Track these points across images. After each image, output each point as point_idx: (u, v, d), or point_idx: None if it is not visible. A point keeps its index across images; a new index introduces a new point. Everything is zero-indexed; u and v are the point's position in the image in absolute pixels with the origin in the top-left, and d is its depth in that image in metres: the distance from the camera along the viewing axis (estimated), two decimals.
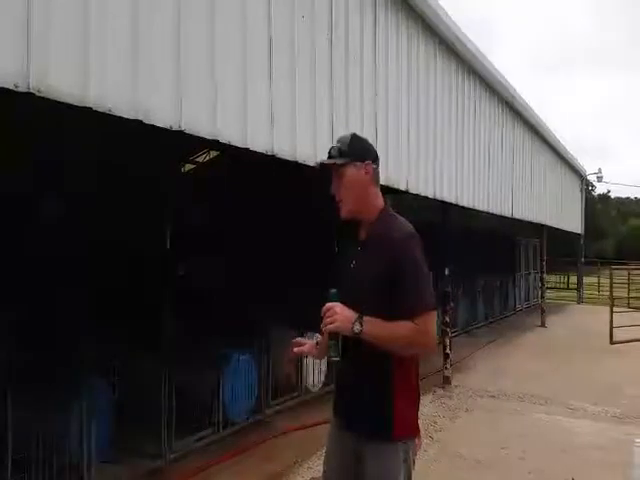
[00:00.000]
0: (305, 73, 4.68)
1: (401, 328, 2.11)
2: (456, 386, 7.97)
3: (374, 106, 5.81)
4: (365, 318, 2.12)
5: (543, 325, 14.66)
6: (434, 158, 7.47)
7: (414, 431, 2.28)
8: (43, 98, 2.72)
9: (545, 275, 16.15)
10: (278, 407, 6.47)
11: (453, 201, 8.21)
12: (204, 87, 3.66)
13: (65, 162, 6.43)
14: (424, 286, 2.17)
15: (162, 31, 3.34)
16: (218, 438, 5.52)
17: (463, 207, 8.78)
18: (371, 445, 2.22)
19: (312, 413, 6.05)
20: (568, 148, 16.96)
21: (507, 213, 11.03)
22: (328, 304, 2.17)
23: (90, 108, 2.94)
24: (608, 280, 14.22)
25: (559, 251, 25.11)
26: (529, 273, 19.68)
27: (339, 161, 2.29)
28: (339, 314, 2.14)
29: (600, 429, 6.16)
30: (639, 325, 11.39)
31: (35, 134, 5.89)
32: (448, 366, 8.15)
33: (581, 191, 21.20)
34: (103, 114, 3.03)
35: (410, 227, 2.26)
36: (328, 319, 2.15)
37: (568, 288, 25.59)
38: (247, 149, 4.06)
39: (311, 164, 4.74)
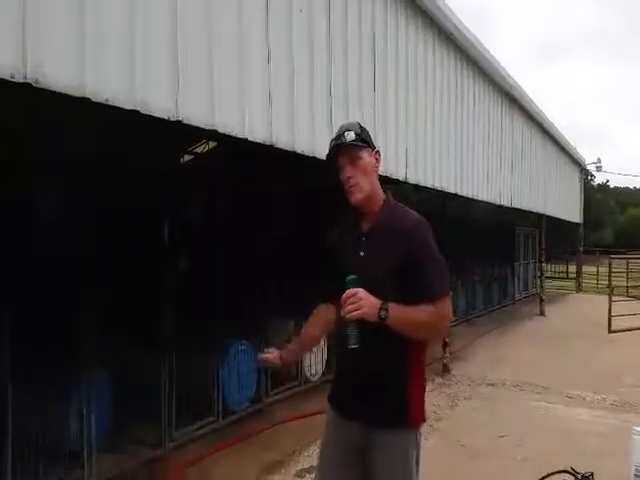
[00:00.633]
0: (304, 61, 4.67)
1: (423, 313, 2.13)
2: (455, 374, 8.01)
3: (373, 95, 5.81)
4: (390, 304, 2.10)
5: (542, 314, 14.71)
6: (432, 147, 7.46)
7: (424, 417, 2.31)
8: (40, 90, 2.71)
9: (544, 264, 16.18)
10: (278, 396, 6.51)
11: (453, 191, 8.21)
12: (201, 77, 3.64)
13: (62, 158, 6.42)
14: (441, 271, 2.22)
15: (159, 20, 3.32)
16: (218, 427, 5.56)
17: (463, 197, 8.79)
18: (385, 432, 2.21)
19: (312, 402, 6.08)
20: (567, 138, 16.95)
21: (506, 203, 11.03)
22: (350, 290, 2.10)
23: (88, 99, 2.93)
24: (607, 269, 14.27)
25: (558, 241, 25.14)
26: (528, 262, 19.71)
27: (359, 144, 2.28)
28: (365, 300, 2.09)
29: (598, 417, 6.20)
30: (637, 314, 11.43)
31: (32, 127, 5.87)
32: (447, 355, 8.19)
33: (580, 181, 21.19)
34: (101, 107, 3.02)
35: (417, 214, 2.30)
36: (352, 305, 2.08)
37: (567, 277, 25.63)
38: (246, 139, 4.06)
39: (309, 154, 4.75)
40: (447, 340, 8.10)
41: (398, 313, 2.11)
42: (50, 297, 4.42)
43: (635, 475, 3.17)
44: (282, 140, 4.42)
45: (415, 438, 2.25)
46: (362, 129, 2.35)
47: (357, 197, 2.28)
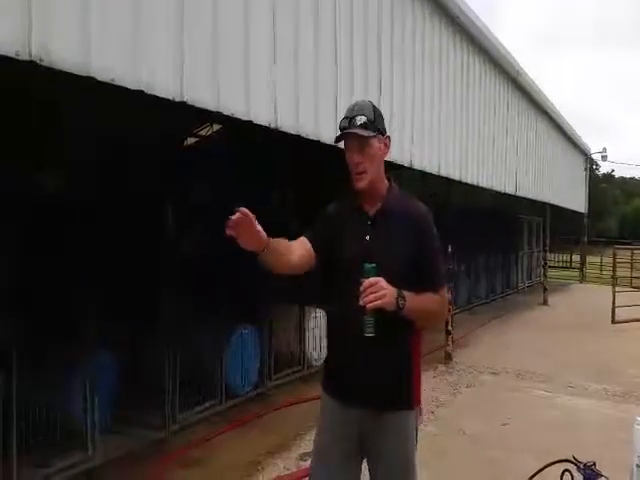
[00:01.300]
0: (309, 43, 4.62)
1: (431, 301, 2.23)
2: (457, 362, 8.01)
3: (379, 80, 5.76)
4: (404, 292, 2.11)
5: (545, 303, 14.70)
6: (438, 134, 7.41)
7: (420, 398, 2.39)
8: (46, 68, 2.69)
9: (548, 254, 16.14)
10: (280, 381, 6.53)
11: (457, 178, 8.16)
12: (206, 58, 3.61)
13: (65, 138, 6.39)
14: (442, 261, 2.34)
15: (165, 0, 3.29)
16: (220, 410, 5.59)
17: (467, 184, 8.74)
18: (390, 415, 2.25)
19: (314, 387, 6.07)
20: (573, 126, 16.83)
21: (511, 191, 10.98)
22: (371, 279, 2.07)
23: (93, 78, 2.91)
24: (611, 260, 14.22)
25: (562, 230, 25.07)
26: (532, 251, 19.68)
27: (369, 134, 2.23)
28: (386, 289, 2.07)
29: (600, 407, 6.20)
30: None
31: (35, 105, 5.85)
32: (450, 343, 8.19)
33: (585, 170, 21.08)
34: (106, 87, 3.00)
35: (424, 205, 2.34)
36: (374, 295, 2.05)
37: (571, 267, 25.59)
38: (250, 122, 4.03)
39: (314, 138, 4.72)
40: (450, 328, 8.10)
41: (413, 302, 2.14)
42: (55, 278, 4.42)
43: (637, 465, 3.16)
44: (286, 123, 4.39)
45: (415, 417, 2.33)
46: (375, 112, 2.28)
47: (362, 185, 2.26)
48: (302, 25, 4.51)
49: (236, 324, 5.94)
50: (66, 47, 2.76)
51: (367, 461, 2.35)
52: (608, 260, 19.06)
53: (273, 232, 2.15)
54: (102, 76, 2.94)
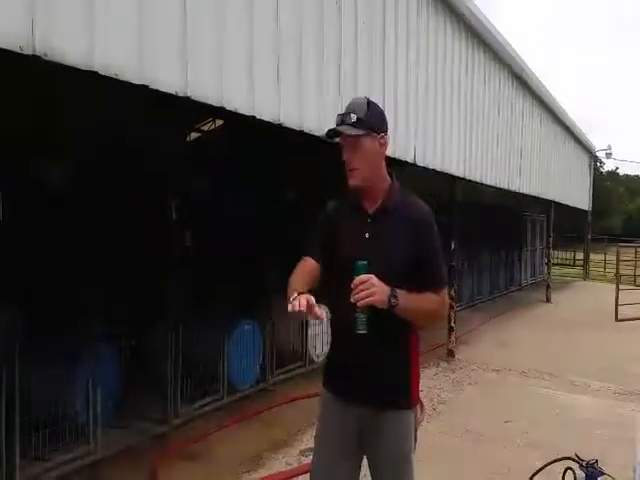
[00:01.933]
0: (313, 38, 4.61)
1: (428, 300, 2.20)
2: (460, 359, 8.01)
3: (383, 73, 5.74)
4: (398, 291, 2.09)
5: (548, 301, 14.67)
6: (442, 130, 7.39)
7: (419, 397, 2.39)
8: (50, 63, 2.68)
9: (551, 251, 16.10)
10: (282, 376, 6.54)
11: (461, 175, 8.14)
12: (210, 52, 3.60)
13: (71, 133, 6.40)
14: (442, 261, 2.30)
15: None
16: (223, 405, 5.60)
17: (471, 181, 8.72)
18: (390, 414, 2.24)
19: (315, 383, 6.07)
20: (577, 123, 16.77)
21: (515, 188, 10.95)
22: (363, 276, 2.06)
23: (96, 72, 2.90)
24: (615, 257, 14.19)
25: (566, 228, 25.02)
26: (535, 249, 19.63)
27: (358, 132, 2.19)
28: (377, 287, 2.06)
29: (603, 405, 6.19)
30: None
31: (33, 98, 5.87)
32: (452, 340, 8.18)
33: (589, 167, 21.00)
34: (110, 81, 2.99)
35: (426, 204, 2.31)
36: (365, 292, 2.04)
37: (574, 265, 25.55)
38: (253, 117, 4.02)
39: (317, 134, 4.70)
40: (452, 325, 8.10)
41: (407, 300, 2.11)
42: (57, 271, 4.43)
43: None
44: (290, 119, 4.38)
45: (414, 418, 2.31)
46: (370, 108, 2.24)
47: (353, 182, 2.25)
48: (306, 17, 4.50)
49: (238, 319, 5.94)
50: (70, 41, 2.75)
51: (367, 459, 2.35)
52: (612, 258, 19.02)
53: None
54: (105, 71, 2.94)
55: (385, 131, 2.29)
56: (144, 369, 5.02)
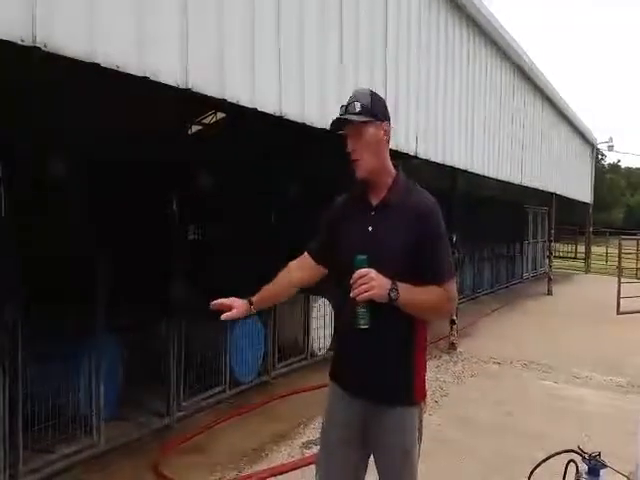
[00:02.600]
0: (314, 29, 4.58)
1: (432, 295, 2.14)
2: (462, 352, 8.02)
3: (384, 68, 5.72)
4: (399, 284, 2.07)
5: (550, 294, 14.67)
6: (443, 123, 7.36)
7: (425, 393, 2.33)
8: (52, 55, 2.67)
9: (553, 244, 16.09)
10: (284, 369, 6.55)
11: (463, 167, 8.13)
12: (211, 44, 3.58)
13: (72, 125, 6.38)
14: (449, 254, 2.24)
15: None
16: (225, 398, 5.62)
17: (473, 174, 8.71)
18: (391, 410, 2.22)
19: (318, 376, 6.09)
20: (579, 115, 16.72)
21: (517, 181, 10.93)
22: (362, 270, 2.05)
23: (98, 64, 2.89)
24: (616, 250, 14.17)
25: (568, 220, 24.97)
26: (537, 241, 19.62)
27: (362, 119, 2.19)
28: (376, 280, 2.04)
29: (604, 398, 6.19)
30: None
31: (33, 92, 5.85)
32: (454, 332, 8.19)
33: (591, 160, 20.95)
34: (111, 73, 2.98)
35: (431, 196, 2.27)
36: (364, 286, 2.04)
37: (576, 258, 25.52)
38: (255, 110, 4.01)
39: (319, 126, 4.69)
40: (454, 318, 8.10)
41: (408, 294, 2.09)
42: (59, 263, 4.43)
43: None
44: (292, 112, 4.37)
45: (419, 412, 2.27)
46: (373, 98, 2.24)
47: (360, 173, 2.24)
48: (306, 8, 4.47)
49: None
50: (70, 33, 2.74)
51: (366, 451, 2.35)
52: (613, 251, 18.99)
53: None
54: (107, 62, 2.92)
55: (388, 119, 2.29)
56: (147, 362, 5.02)
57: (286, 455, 4.51)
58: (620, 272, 12.42)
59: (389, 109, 2.34)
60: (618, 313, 11.41)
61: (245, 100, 3.90)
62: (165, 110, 6.86)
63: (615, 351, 8.37)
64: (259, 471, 4.19)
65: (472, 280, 13.29)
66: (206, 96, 3.63)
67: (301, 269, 2.49)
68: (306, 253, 2.49)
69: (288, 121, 4.40)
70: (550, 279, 14.92)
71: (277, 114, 4.24)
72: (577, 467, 3.03)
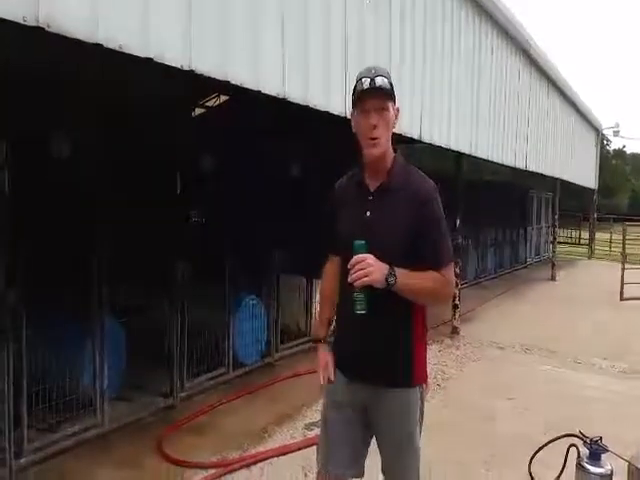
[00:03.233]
0: (319, 10, 4.54)
1: (429, 279, 2.12)
2: (464, 336, 8.03)
3: (389, 49, 5.67)
4: (396, 269, 2.06)
5: (553, 279, 14.66)
6: (448, 106, 7.31)
7: (426, 375, 2.34)
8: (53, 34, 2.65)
9: (557, 229, 16.05)
10: (287, 351, 6.58)
11: (467, 152, 8.08)
12: (215, 26, 3.54)
13: (73, 105, 6.35)
14: (447, 238, 2.21)
15: None
16: (228, 379, 5.66)
17: (477, 158, 8.66)
18: (391, 392, 2.23)
19: None
20: (585, 101, 16.57)
21: (521, 166, 10.87)
22: (359, 255, 2.04)
23: (100, 45, 2.87)
24: (620, 236, 14.13)
25: (572, 206, 24.88)
26: (541, 227, 19.59)
27: (391, 94, 2.16)
28: (373, 266, 2.03)
29: (607, 383, 6.19)
30: None
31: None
32: (457, 317, 8.21)
33: (596, 145, 20.82)
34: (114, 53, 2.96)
35: (431, 180, 2.24)
36: (362, 271, 2.03)
37: (579, 243, 25.46)
38: (258, 92, 3.98)
39: (323, 109, 4.67)
40: (457, 302, 8.11)
41: (406, 279, 2.08)
42: (63, 244, 4.42)
43: None
44: (295, 94, 4.33)
45: (419, 395, 2.28)
46: (390, 78, 2.19)
47: (376, 151, 2.17)
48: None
49: (243, 293, 5.96)
50: (73, 13, 2.71)
51: (375, 434, 2.36)
52: (617, 237, 18.93)
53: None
54: (110, 43, 2.90)
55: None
56: (151, 343, 5.05)
57: (289, 436, 4.55)
58: (624, 258, 12.40)
59: (395, 90, 2.30)
60: (622, 299, 11.41)
61: (249, 82, 3.87)
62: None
63: (618, 337, 8.38)
64: (262, 451, 4.23)
65: (476, 265, 13.28)
66: (209, 78, 3.60)
67: (334, 281, 2.44)
68: (331, 256, 2.50)
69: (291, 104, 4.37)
70: (554, 264, 14.90)
71: (280, 96, 4.21)
72: (578, 451, 3.05)
